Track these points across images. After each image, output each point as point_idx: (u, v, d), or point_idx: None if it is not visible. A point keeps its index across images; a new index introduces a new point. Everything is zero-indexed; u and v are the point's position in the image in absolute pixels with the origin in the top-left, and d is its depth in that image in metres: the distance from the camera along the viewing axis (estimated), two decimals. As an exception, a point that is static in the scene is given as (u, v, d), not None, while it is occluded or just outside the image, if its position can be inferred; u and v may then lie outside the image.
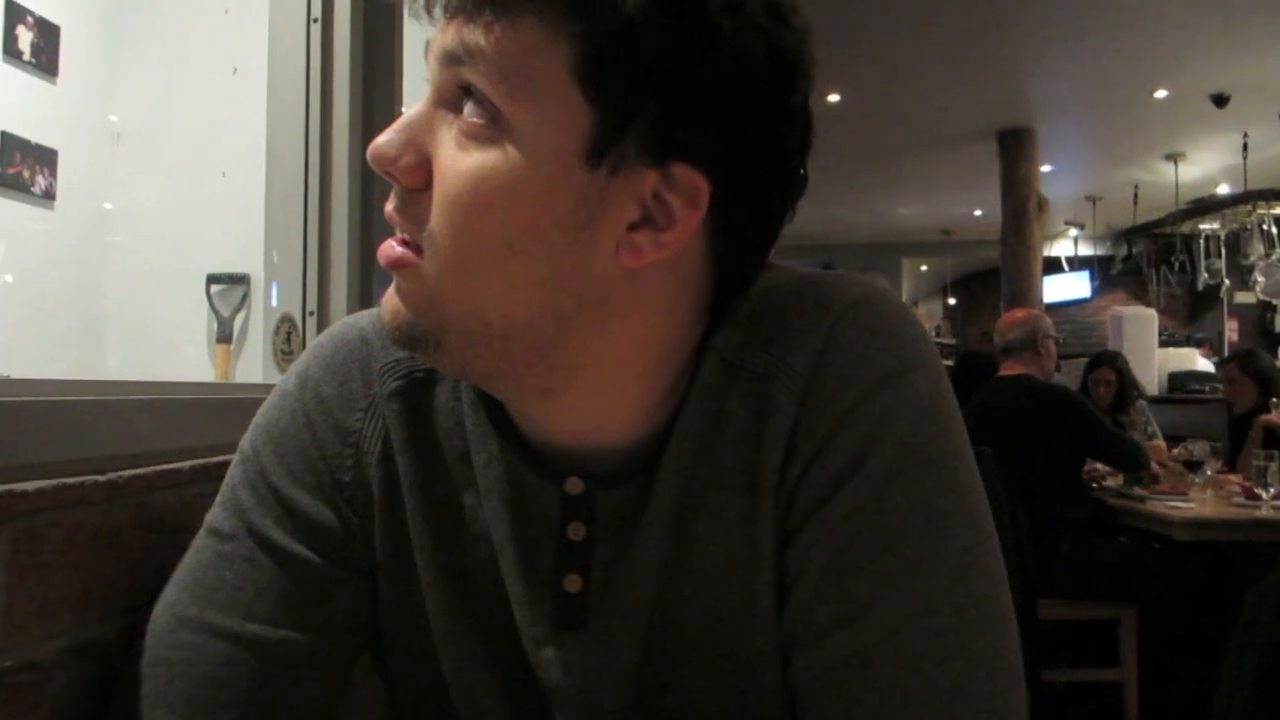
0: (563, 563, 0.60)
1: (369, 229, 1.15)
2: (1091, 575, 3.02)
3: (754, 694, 0.60)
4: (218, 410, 0.83)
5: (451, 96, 0.52)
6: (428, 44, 0.53)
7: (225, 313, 2.18)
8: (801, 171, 0.57)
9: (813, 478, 0.56)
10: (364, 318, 0.68)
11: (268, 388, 1.10)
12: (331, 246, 1.13)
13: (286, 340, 1.08)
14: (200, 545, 0.63)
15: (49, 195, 2.10)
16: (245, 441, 0.65)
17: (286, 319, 1.09)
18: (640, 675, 0.60)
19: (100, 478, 0.64)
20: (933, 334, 7.44)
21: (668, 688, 0.60)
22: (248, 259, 2.16)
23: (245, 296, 2.19)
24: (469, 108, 0.51)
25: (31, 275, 2.06)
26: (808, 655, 0.56)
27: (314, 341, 0.68)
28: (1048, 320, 3.45)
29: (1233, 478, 3.61)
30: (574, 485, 0.60)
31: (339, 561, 0.62)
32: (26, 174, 2.05)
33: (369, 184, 1.16)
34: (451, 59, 0.51)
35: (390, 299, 0.55)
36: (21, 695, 0.59)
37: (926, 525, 0.54)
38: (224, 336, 2.18)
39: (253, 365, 2.19)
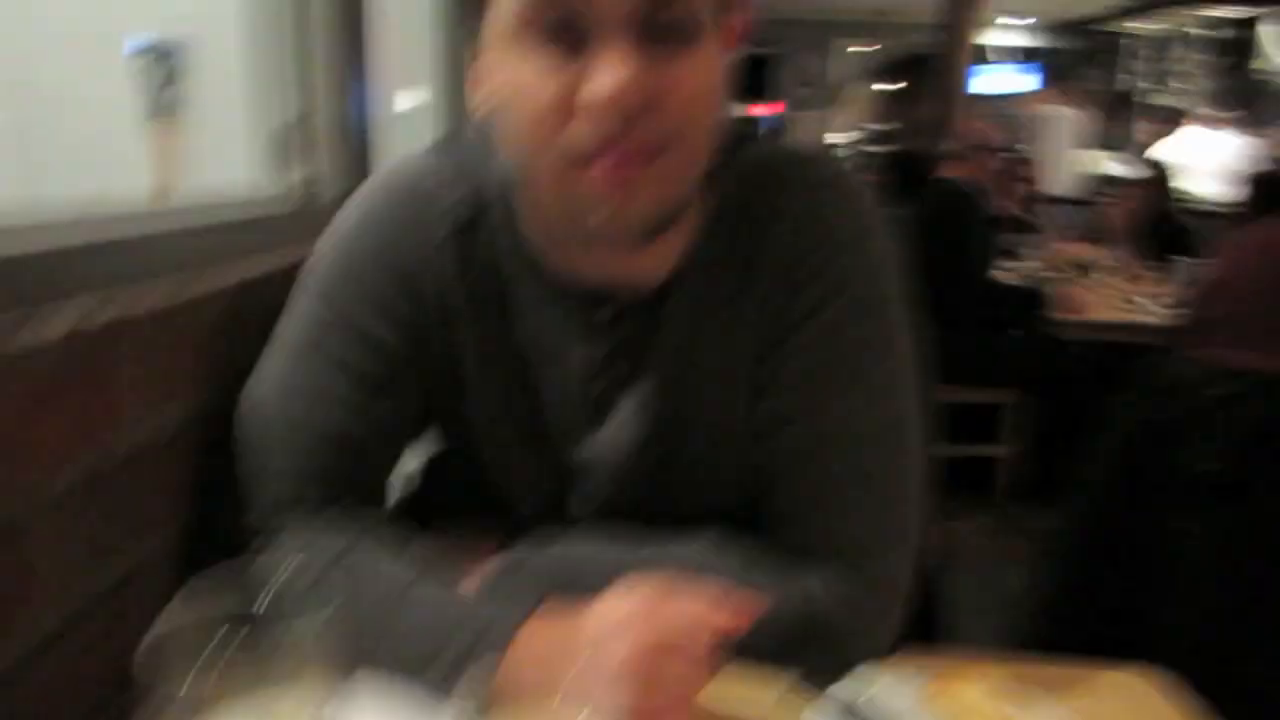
0: (591, 372, 0.78)
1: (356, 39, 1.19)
2: (984, 364, 3.29)
3: (732, 466, 0.79)
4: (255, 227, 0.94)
5: (647, 25, 0.61)
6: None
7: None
8: None
9: (791, 309, 0.74)
10: (410, 165, 0.78)
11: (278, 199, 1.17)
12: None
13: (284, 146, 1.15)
14: (282, 347, 0.76)
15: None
16: (312, 278, 0.77)
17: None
18: (647, 450, 0.79)
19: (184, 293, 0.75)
20: (860, 119, 7.43)
21: (670, 460, 0.79)
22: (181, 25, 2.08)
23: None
24: (671, 28, 0.62)
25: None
26: (768, 442, 0.76)
27: (364, 188, 0.79)
28: (990, 134, 3.50)
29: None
30: (604, 313, 0.76)
31: (401, 373, 0.77)
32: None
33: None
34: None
35: (634, 199, 0.65)
36: (149, 470, 0.72)
37: (863, 354, 0.74)
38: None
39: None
